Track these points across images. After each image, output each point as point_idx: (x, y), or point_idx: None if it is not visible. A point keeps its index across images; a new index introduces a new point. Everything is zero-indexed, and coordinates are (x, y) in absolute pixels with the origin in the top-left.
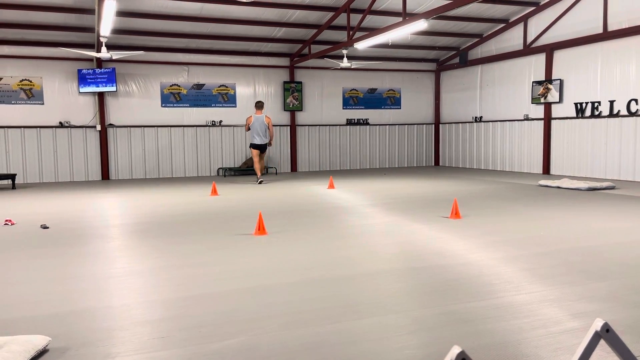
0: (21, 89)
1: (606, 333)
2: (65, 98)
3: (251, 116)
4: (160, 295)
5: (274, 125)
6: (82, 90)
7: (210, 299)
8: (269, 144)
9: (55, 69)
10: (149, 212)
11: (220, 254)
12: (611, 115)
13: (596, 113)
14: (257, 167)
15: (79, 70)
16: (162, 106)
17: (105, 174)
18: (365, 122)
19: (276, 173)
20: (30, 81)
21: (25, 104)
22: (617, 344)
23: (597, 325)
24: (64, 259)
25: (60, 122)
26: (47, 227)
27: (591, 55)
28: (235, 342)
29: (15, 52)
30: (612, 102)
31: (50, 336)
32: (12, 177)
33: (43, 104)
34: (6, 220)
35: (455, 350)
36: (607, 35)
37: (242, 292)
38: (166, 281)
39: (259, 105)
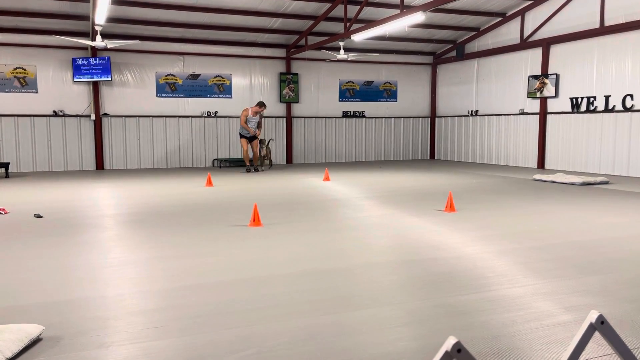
0: (15, 77)
1: (601, 325)
2: (59, 87)
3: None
4: (154, 286)
5: (264, 117)
6: (76, 79)
7: (204, 290)
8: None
9: (49, 57)
10: (144, 203)
11: (215, 245)
12: (606, 110)
13: (591, 108)
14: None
15: (74, 60)
16: (157, 96)
17: (99, 164)
18: (361, 115)
19: (271, 165)
20: (24, 69)
21: (19, 92)
22: (611, 336)
23: (592, 317)
24: (57, 249)
25: (54, 111)
26: (41, 216)
27: (587, 50)
28: (230, 332)
29: (9, 39)
30: (607, 97)
31: (44, 325)
32: (5, 165)
33: (37, 92)
34: None
35: (451, 340)
36: (603, 30)
37: (237, 283)
38: (161, 271)
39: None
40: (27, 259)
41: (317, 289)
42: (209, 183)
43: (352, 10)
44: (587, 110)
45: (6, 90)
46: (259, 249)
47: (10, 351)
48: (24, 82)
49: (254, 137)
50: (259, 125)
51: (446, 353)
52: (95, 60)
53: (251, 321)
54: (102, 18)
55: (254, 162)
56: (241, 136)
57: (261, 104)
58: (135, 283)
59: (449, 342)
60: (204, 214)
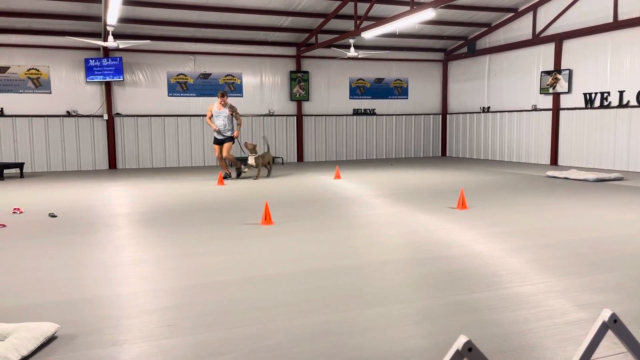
0: (29, 78)
1: (614, 324)
2: (72, 87)
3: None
4: (167, 284)
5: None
6: (89, 80)
7: (216, 288)
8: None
9: (62, 58)
10: (156, 201)
11: (227, 244)
12: (620, 105)
13: (605, 103)
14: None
15: (86, 61)
16: (168, 95)
17: (112, 163)
18: (372, 112)
19: (282, 163)
20: (38, 70)
21: (33, 93)
22: (624, 335)
23: (605, 315)
24: (71, 247)
25: (68, 111)
26: (55, 216)
27: (601, 45)
28: (241, 330)
29: (23, 41)
30: (621, 93)
31: (59, 323)
32: (20, 165)
33: (50, 93)
34: (15, 209)
35: (462, 339)
36: (617, 24)
37: (249, 281)
38: (173, 270)
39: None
40: (42, 258)
41: (328, 286)
42: (220, 182)
43: (362, 7)
44: (601, 106)
45: (20, 91)
46: (270, 247)
47: (26, 349)
48: (38, 82)
49: (229, 139)
50: (239, 124)
51: (457, 352)
52: (108, 60)
53: (262, 319)
54: (113, 19)
55: (234, 165)
56: (214, 141)
57: (220, 94)
58: (147, 281)
59: (460, 341)
60: (216, 213)
